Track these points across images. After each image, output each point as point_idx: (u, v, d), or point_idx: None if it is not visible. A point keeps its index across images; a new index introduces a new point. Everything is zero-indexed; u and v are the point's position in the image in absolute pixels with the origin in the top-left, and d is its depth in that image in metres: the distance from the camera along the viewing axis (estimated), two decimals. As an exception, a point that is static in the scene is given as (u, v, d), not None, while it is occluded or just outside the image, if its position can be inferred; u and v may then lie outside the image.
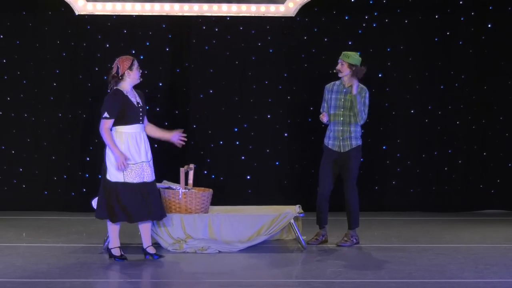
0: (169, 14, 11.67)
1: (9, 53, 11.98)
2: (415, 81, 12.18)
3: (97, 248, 9.04)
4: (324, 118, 9.40)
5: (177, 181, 9.23)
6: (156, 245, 8.90)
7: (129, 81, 8.52)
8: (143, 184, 8.48)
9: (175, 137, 8.86)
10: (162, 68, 11.93)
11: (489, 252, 9.00)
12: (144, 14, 11.63)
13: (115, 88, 8.51)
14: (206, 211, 9.30)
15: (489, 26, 12.13)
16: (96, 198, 8.95)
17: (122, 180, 8.38)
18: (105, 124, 8.40)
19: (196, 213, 9.17)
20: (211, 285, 7.50)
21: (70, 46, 11.97)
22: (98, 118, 11.79)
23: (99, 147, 11.81)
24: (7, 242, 9.46)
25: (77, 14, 11.56)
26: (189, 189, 9.25)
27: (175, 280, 7.82)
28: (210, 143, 12.13)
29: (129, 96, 8.49)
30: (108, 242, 8.80)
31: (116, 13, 11.68)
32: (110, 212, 8.47)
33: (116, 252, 8.56)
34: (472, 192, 12.26)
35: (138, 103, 8.54)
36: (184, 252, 8.86)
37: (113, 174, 8.40)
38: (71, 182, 12.06)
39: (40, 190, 12.06)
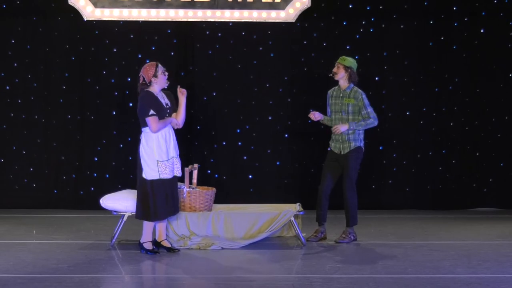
0: (174, 20, 11.73)
1: (20, 57, 12.06)
2: (410, 84, 12.23)
3: (105, 244, 9.15)
4: (312, 116, 9.51)
5: (181, 180, 9.28)
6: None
7: (156, 86, 8.76)
8: (174, 179, 8.77)
9: (181, 94, 8.95)
10: (167, 71, 11.96)
11: (482, 248, 9.09)
12: (150, 19, 11.67)
13: (145, 90, 8.73)
14: (209, 209, 9.38)
15: (482, 31, 12.18)
16: (104, 196, 9.25)
17: (157, 177, 8.61)
18: (153, 121, 8.58)
19: (200, 211, 9.26)
20: (214, 280, 7.56)
21: (79, 50, 12.06)
22: (105, 119, 12.11)
23: (107, 148, 12.12)
24: (18, 239, 9.58)
25: (85, 19, 11.61)
26: (193, 188, 9.34)
27: (180, 275, 7.87)
28: (214, 143, 12.21)
29: (158, 97, 8.73)
30: (115, 238, 9.05)
31: (123, 19, 11.73)
32: (147, 211, 8.66)
33: (148, 246, 8.74)
34: (466, 191, 12.31)
35: (166, 104, 8.78)
36: (188, 249, 8.95)
37: (149, 173, 8.63)
38: (80, 181, 12.14)
39: (50, 189, 12.16)
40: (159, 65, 8.83)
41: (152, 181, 8.65)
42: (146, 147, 8.69)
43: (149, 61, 9.09)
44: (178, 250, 8.92)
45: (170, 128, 8.81)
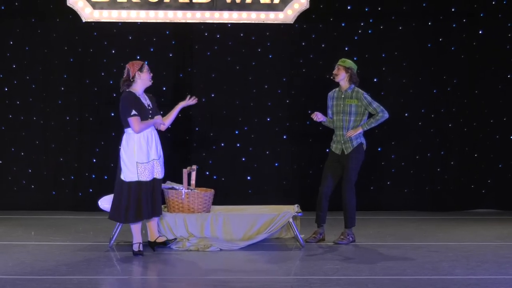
0: (172, 21, 11.72)
1: (18, 59, 12.07)
2: (409, 85, 12.26)
3: (103, 246, 9.16)
4: (314, 116, 9.51)
5: (180, 181, 9.33)
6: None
7: (140, 83, 8.68)
8: (153, 181, 8.69)
9: (187, 101, 9.02)
10: (166, 73, 11.98)
11: (480, 249, 9.10)
12: (148, 21, 11.67)
13: (127, 90, 8.68)
14: (208, 211, 9.40)
15: (480, 32, 12.21)
16: (103, 198, 9.25)
17: (136, 179, 8.58)
18: (135, 121, 8.52)
19: (198, 212, 9.27)
20: (213, 282, 7.53)
21: (77, 52, 12.06)
22: (104, 120, 12.13)
23: (106, 149, 12.14)
24: (17, 240, 9.57)
25: (84, 21, 11.61)
26: (191, 190, 9.35)
27: (178, 277, 7.88)
28: (212, 145, 12.21)
29: (140, 98, 8.68)
30: (113, 240, 9.07)
31: (122, 20, 11.72)
32: (119, 212, 8.65)
33: (135, 247, 8.73)
34: (464, 192, 12.34)
35: (148, 105, 8.72)
36: (186, 250, 8.94)
37: (127, 174, 8.60)
38: (79, 183, 12.16)
39: (49, 191, 12.17)
40: (146, 64, 8.79)
41: (130, 183, 8.62)
42: (126, 148, 8.67)
43: (148, 63, 9.08)
44: (175, 239, 9.00)
45: (153, 130, 8.77)
